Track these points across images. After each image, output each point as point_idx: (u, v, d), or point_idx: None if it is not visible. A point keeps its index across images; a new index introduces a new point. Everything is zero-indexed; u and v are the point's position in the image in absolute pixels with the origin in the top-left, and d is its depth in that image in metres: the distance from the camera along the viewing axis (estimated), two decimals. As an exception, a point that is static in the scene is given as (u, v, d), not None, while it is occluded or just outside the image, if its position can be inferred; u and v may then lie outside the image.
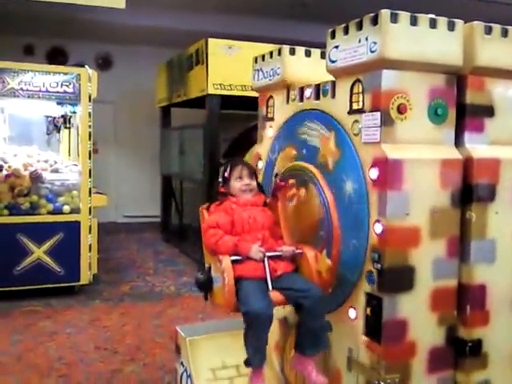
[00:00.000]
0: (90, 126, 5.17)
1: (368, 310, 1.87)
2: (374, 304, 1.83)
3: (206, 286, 2.22)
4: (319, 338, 2.04)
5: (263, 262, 2.05)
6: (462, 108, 1.92)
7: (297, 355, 2.11)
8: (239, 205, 2.22)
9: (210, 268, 2.23)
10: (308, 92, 2.25)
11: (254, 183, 2.29)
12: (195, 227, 6.23)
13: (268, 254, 2.08)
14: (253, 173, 2.31)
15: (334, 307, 2.09)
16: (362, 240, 1.89)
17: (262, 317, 1.95)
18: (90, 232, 5.18)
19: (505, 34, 1.92)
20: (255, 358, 2.01)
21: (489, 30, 1.89)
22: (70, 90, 5.13)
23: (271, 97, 2.57)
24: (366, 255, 1.88)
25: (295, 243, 2.21)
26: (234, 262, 2.05)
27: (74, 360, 3.63)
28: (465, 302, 1.92)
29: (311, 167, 2.18)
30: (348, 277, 1.97)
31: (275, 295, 2.03)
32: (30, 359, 3.63)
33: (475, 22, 1.88)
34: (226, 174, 2.30)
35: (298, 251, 2.14)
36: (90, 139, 5.19)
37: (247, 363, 2.04)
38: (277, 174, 2.48)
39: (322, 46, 2.15)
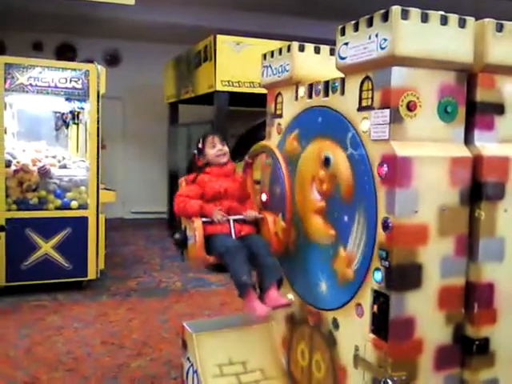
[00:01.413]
0: (98, 122, 5.19)
1: (375, 307, 1.87)
2: (382, 301, 1.83)
3: (181, 243, 2.56)
4: (272, 270, 2.35)
5: (229, 223, 2.45)
6: (472, 106, 1.91)
7: (265, 295, 2.32)
8: (213, 175, 2.57)
9: (185, 228, 2.56)
10: (317, 89, 2.25)
11: (226, 148, 2.64)
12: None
13: (233, 217, 2.48)
14: (223, 139, 2.67)
15: (340, 304, 2.09)
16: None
17: (231, 249, 2.32)
18: (97, 227, 5.20)
19: (516, 31, 1.90)
20: (243, 288, 2.26)
21: (500, 28, 1.87)
22: (79, 85, 5.15)
23: (280, 93, 2.56)
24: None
25: (257, 209, 2.59)
26: (204, 222, 2.43)
27: (82, 354, 3.66)
28: (472, 300, 1.91)
29: (272, 145, 2.49)
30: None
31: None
32: (37, 353, 3.66)
33: (486, 19, 1.87)
34: (200, 145, 2.64)
35: (260, 216, 2.53)
36: (98, 135, 5.21)
37: (240, 295, 2.29)
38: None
39: (332, 43, 2.14)
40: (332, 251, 2.13)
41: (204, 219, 2.44)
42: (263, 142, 2.62)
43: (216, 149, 2.60)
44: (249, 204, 2.62)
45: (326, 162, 2.15)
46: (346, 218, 2.04)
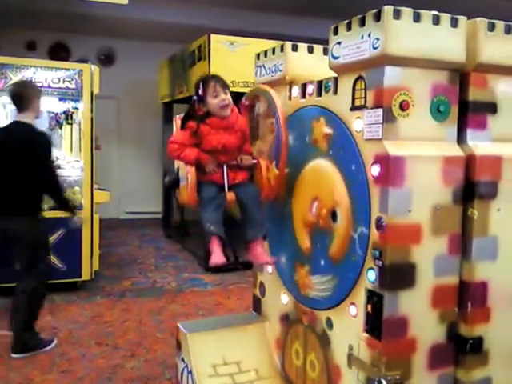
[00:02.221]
0: (92, 122, 5.17)
1: (369, 306, 1.87)
2: (375, 301, 1.83)
3: (173, 184, 2.60)
4: (258, 224, 2.40)
5: (222, 169, 2.36)
6: (465, 105, 1.91)
7: (248, 248, 2.42)
8: (212, 127, 2.36)
9: (178, 170, 2.54)
10: (310, 88, 2.25)
11: (230, 97, 2.38)
12: (197, 224, 6.23)
13: (228, 164, 2.38)
14: (226, 86, 2.39)
15: (334, 304, 2.09)
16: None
17: (212, 199, 2.34)
18: (91, 228, 5.18)
19: (508, 30, 1.91)
20: (210, 228, 2.32)
21: (492, 27, 1.88)
22: (73, 85, 5.13)
23: (273, 93, 2.56)
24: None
25: (252, 153, 2.49)
26: (198, 167, 2.37)
27: (76, 355, 3.65)
28: (466, 299, 1.92)
29: (268, 88, 2.37)
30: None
31: (229, 194, 2.37)
32: (31, 354, 3.64)
33: (478, 19, 1.87)
34: (201, 92, 2.36)
35: (254, 161, 2.43)
36: (91, 135, 5.19)
37: (205, 235, 2.36)
38: None
39: (325, 42, 2.14)
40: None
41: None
42: (262, 86, 2.47)
43: (219, 98, 2.34)
44: (245, 148, 2.48)
45: (333, 216, 2.09)
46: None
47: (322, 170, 2.15)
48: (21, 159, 3.60)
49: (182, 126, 2.45)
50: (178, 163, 2.59)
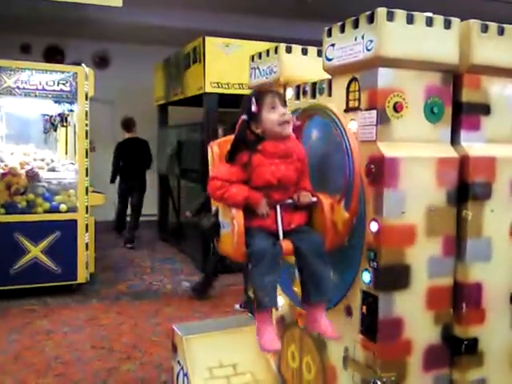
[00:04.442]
0: (86, 125, 5.17)
1: (364, 308, 1.87)
2: (370, 302, 1.83)
3: (213, 230, 2.03)
4: (323, 284, 1.88)
5: (275, 210, 1.87)
6: (458, 106, 1.92)
7: (307, 312, 1.96)
8: (266, 155, 1.86)
9: (217, 211, 2.02)
10: (304, 90, 2.25)
11: (290, 113, 1.93)
12: (192, 226, 6.22)
13: (282, 202, 1.88)
14: (285, 100, 1.96)
15: (330, 306, 2.09)
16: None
17: (266, 254, 1.79)
18: (86, 231, 5.17)
19: (501, 32, 1.91)
20: (264, 300, 1.80)
21: (485, 28, 1.88)
22: (67, 88, 5.13)
23: (268, 95, 2.56)
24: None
25: (312, 189, 1.98)
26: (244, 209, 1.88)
27: (71, 359, 3.63)
28: (461, 300, 1.92)
29: (333, 107, 1.90)
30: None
31: (285, 243, 1.88)
32: (26, 358, 3.63)
33: (471, 20, 1.88)
34: (254, 108, 1.88)
35: (314, 199, 1.92)
36: (86, 138, 5.19)
37: (257, 306, 1.83)
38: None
39: (320, 44, 2.14)
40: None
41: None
42: (321, 102, 2.01)
43: (279, 113, 1.87)
44: (303, 181, 1.96)
45: None
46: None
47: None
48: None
49: (231, 158, 1.92)
50: (216, 203, 2.06)
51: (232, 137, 1.97)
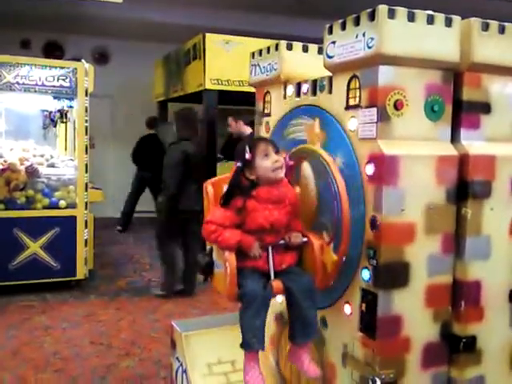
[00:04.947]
0: (86, 121, 5.17)
1: (363, 305, 1.87)
2: (369, 300, 1.84)
3: (206, 269, 2.14)
4: (310, 327, 1.97)
5: (267, 251, 1.94)
6: (459, 104, 1.92)
7: (291, 346, 2.06)
8: (259, 201, 1.94)
9: (211, 250, 2.11)
10: (305, 87, 2.24)
11: (282, 160, 2.00)
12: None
13: (273, 243, 1.96)
14: (277, 147, 2.04)
15: (329, 303, 2.09)
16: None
17: (257, 297, 1.88)
18: (86, 227, 5.17)
19: (502, 30, 1.91)
20: (252, 341, 1.89)
21: (486, 27, 1.88)
22: (67, 84, 5.12)
23: (268, 92, 2.56)
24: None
25: (303, 230, 2.05)
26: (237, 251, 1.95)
27: (70, 355, 3.64)
28: (459, 298, 1.92)
29: (322, 151, 1.99)
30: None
31: (276, 283, 1.95)
32: (25, 354, 3.63)
33: (472, 19, 1.87)
34: (248, 156, 1.97)
35: (304, 239, 1.99)
36: (86, 134, 5.19)
37: (242, 345, 1.93)
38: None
39: (321, 41, 2.14)
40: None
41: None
42: (310, 146, 2.09)
43: (271, 160, 1.96)
44: (293, 222, 2.04)
45: None
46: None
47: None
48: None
49: (226, 202, 1.99)
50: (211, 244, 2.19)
51: (226, 176, 2.06)
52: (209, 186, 2.21)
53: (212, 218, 1.99)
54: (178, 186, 4.73)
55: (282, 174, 1.98)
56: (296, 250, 2.01)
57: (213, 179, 2.23)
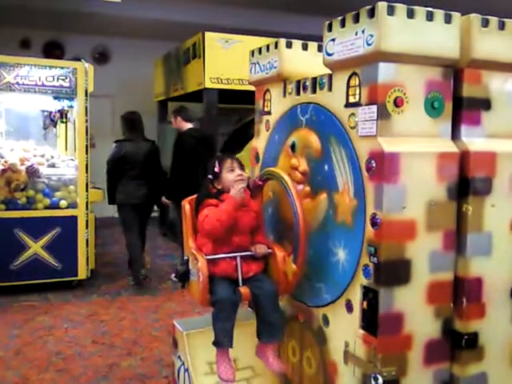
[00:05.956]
0: (86, 121, 5.16)
1: (364, 303, 1.87)
2: (371, 297, 1.84)
3: (183, 277, 2.37)
4: (274, 329, 2.27)
5: (236, 261, 2.25)
6: (459, 101, 1.92)
7: (258, 344, 2.32)
8: None
9: (188, 260, 2.35)
10: (305, 85, 2.24)
11: (245, 174, 2.36)
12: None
13: (241, 254, 2.26)
14: (242, 165, 2.38)
15: (330, 301, 2.09)
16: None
17: (228, 302, 2.18)
18: (87, 227, 5.17)
19: (502, 26, 1.91)
20: (223, 341, 2.20)
21: (486, 23, 1.88)
22: (67, 84, 5.11)
23: (268, 90, 2.56)
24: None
25: (268, 241, 2.36)
26: (209, 260, 2.22)
27: (72, 354, 3.64)
28: (461, 294, 1.92)
29: (285, 176, 2.20)
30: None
31: (244, 290, 2.25)
32: (28, 354, 3.63)
33: (472, 15, 1.87)
34: (217, 169, 2.35)
35: (269, 251, 2.30)
36: (86, 133, 5.18)
37: (215, 344, 2.22)
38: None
39: (320, 39, 2.14)
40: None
41: (209, 257, 2.23)
42: (276, 170, 2.31)
43: (235, 173, 2.31)
44: (259, 235, 2.37)
45: (292, 147, 2.27)
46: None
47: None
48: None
49: (197, 207, 2.34)
50: (186, 253, 2.39)
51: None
52: (186, 205, 2.45)
53: (203, 216, 2.27)
54: (110, 182, 5.18)
55: (242, 185, 2.28)
56: (262, 259, 2.31)
57: (189, 198, 2.46)
